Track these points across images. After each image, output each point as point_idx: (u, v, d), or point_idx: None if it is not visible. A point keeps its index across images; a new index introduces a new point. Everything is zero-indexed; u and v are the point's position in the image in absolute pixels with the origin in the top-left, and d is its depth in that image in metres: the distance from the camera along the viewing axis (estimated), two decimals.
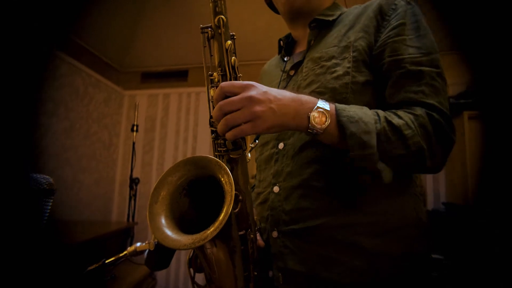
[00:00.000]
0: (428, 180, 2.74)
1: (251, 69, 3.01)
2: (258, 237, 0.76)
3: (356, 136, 0.59)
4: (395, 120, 0.62)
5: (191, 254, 0.76)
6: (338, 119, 0.61)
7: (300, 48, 0.91)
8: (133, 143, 3.06)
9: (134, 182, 3.02)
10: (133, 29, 3.25)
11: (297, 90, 0.77)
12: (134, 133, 3.04)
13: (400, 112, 0.65)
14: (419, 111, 0.64)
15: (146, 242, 0.72)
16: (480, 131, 2.18)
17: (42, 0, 2.31)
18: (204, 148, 3.37)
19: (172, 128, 3.50)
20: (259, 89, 0.58)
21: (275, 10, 0.95)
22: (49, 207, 0.62)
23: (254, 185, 0.91)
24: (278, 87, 0.86)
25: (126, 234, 2.59)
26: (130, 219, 2.94)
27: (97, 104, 3.20)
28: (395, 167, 0.63)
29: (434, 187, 2.71)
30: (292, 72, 0.84)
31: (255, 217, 0.73)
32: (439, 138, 0.64)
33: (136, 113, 3.09)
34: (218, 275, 0.65)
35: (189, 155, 3.39)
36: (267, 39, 2.86)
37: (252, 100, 0.57)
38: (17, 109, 2.08)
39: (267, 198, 0.78)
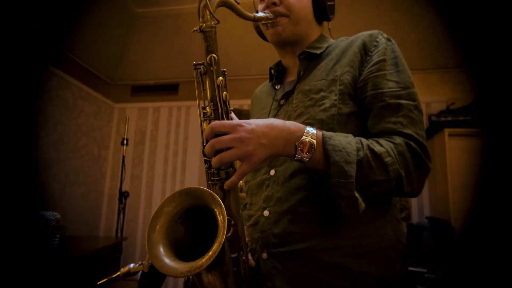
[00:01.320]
0: None
1: (240, 84, 3.08)
2: (250, 257, 0.80)
3: (338, 164, 0.64)
4: (377, 148, 0.68)
5: (186, 277, 0.80)
6: (324, 147, 0.66)
7: (291, 77, 0.96)
8: (123, 157, 3.06)
9: (123, 195, 3.02)
10: (123, 42, 3.28)
11: (288, 120, 0.82)
12: (124, 146, 3.04)
13: (381, 141, 0.70)
14: (398, 139, 0.70)
15: (140, 263, 0.74)
16: (460, 147, 2.28)
17: (32, 15, 2.33)
18: (194, 162, 3.38)
19: (162, 142, 3.50)
20: (247, 128, 0.62)
21: (266, 39, 1.01)
22: (57, 240, 0.65)
23: (246, 204, 0.95)
24: (268, 116, 0.92)
25: (116, 249, 2.58)
26: (119, 234, 2.92)
27: (86, 117, 3.20)
28: (376, 191, 0.69)
29: (418, 202, 2.78)
30: (282, 102, 0.90)
31: (246, 239, 0.78)
32: (416, 165, 0.70)
33: (126, 127, 3.10)
34: None
35: (179, 168, 3.40)
36: (256, 55, 2.93)
37: (242, 141, 0.61)
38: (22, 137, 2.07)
39: (257, 221, 0.82)
